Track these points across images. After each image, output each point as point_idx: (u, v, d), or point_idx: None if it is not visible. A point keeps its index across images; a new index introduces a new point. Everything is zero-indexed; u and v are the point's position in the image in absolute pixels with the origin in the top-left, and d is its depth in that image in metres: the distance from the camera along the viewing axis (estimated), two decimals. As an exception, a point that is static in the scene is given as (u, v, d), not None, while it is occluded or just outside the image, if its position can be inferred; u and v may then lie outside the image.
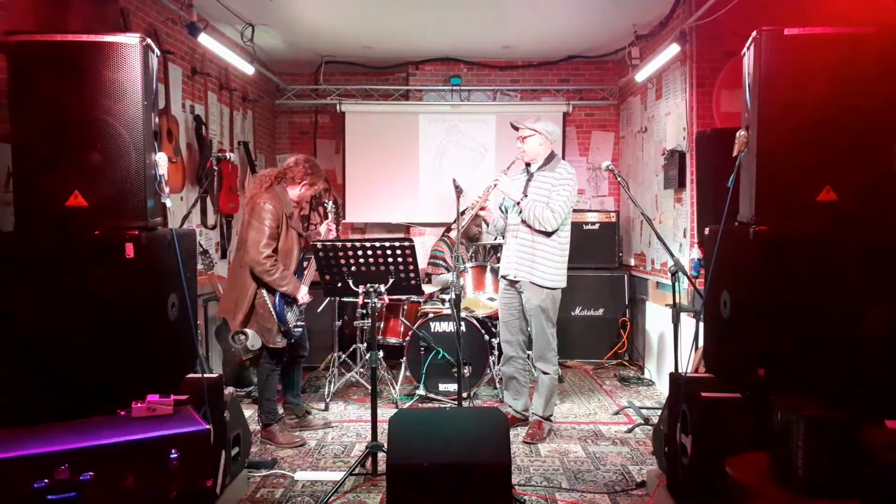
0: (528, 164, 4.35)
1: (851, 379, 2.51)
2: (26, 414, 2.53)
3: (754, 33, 2.64)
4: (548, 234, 4.18)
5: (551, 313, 4.28)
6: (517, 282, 4.28)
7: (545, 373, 4.29)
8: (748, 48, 2.71)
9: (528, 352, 4.53)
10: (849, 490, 2.13)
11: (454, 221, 6.17)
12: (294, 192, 4.15)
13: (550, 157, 4.30)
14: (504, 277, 4.38)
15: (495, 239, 4.55)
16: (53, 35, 2.68)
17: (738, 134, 2.74)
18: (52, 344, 2.62)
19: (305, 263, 4.20)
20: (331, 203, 4.43)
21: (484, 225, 4.53)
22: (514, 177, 4.36)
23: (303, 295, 4.09)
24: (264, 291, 3.99)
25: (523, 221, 4.21)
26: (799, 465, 2.19)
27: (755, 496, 2.29)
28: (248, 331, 3.96)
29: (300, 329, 4.16)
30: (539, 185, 4.23)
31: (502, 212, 4.47)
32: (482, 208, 4.40)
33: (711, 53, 5.05)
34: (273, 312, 3.99)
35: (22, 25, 3.40)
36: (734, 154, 2.75)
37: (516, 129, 4.33)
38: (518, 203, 4.20)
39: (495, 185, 4.26)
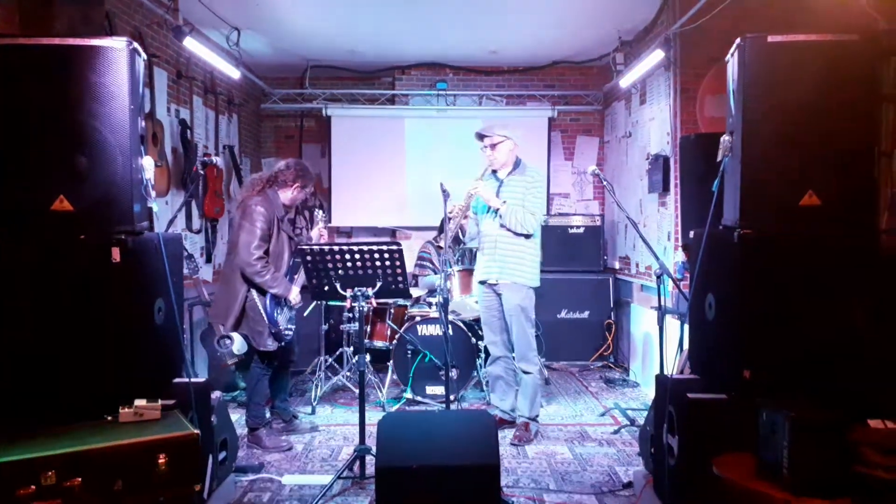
0: (494, 171, 4.38)
1: (835, 379, 2.55)
2: (11, 419, 2.50)
3: (738, 40, 2.68)
4: (527, 236, 4.25)
5: (530, 312, 4.36)
6: (496, 284, 4.33)
7: (528, 372, 4.33)
8: (732, 54, 2.75)
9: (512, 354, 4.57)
10: (834, 489, 2.16)
11: (440, 226, 6.20)
12: (286, 195, 4.15)
13: (517, 162, 4.37)
14: (483, 282, 4.41)
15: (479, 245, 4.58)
16: (39, 38, 2.67)
17: (722, 139, 2.77)
18: (37, 349, 2.60)
19: (296, 266, 4.20)
20: (320, 212, 4.42)
21: (460, 232, 4.54)
22: (485, 182, 4.39)
23: (294, 296, 4.09)
24: (255, 293, 3.98)
25: (502, 226, 4.25)
26: (784, 465, 2.22)
27: (741, 496, 2.31)
28: (233, 335, 3.94)
29: (290, 332, 4.15)
30: (512, 190, 4.28)
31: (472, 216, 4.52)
32: (465, 217, 4.41)
33: (695, 59, 5.11)
34: (263, 314, 3.97)
35: (6, 29, 3.37)
36: (718, 159, 2.78)
37: (481, 138, 4.33)
38: (498, 209, 4.23)
39: (474, 194, 4.28)
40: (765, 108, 2.63)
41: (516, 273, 4.27)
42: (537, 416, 4.41)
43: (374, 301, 3.68)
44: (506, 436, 4.30)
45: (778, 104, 2.62)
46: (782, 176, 2.62)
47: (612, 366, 6.44)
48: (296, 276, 4.16)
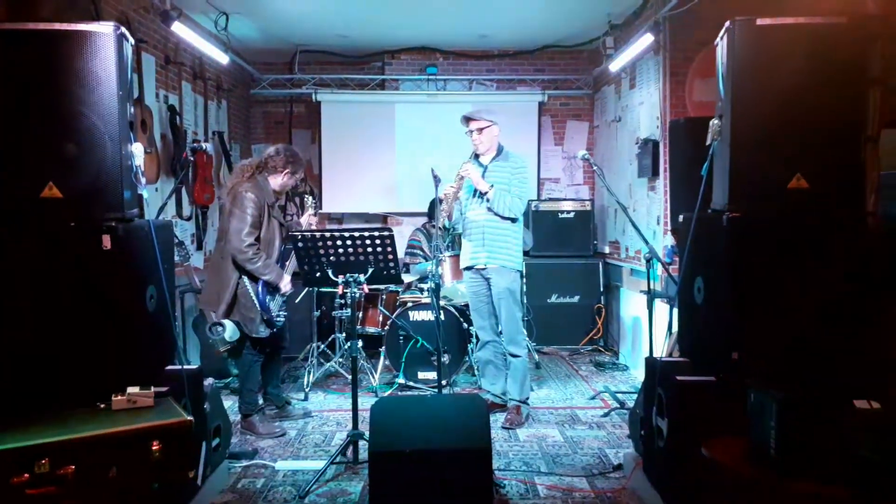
0: (477, 156, 4.39)
1: (823, 361, 2.58)
2: (4, 407, 2.50)
3: (728, 23, 2.68)
4: (513, 221, 4.30)
5: (518, 295, 4.42)
6: (484, 269, 4.35)
7: (516, 356, 4.37)
8: (721, 38, 2.76)
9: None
10: (821, 469, 2.19)
11: (429, 210, 6.20)
12: (276, 181, 4.14)
13: (500, 149, 4.40)
14: (470, 268, 4.44)
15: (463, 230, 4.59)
16: (25, 23, 2.64)
17: (711, 123, 2.79)
18: (29, 337, 2.59)
19: (287, 253, 4.19)
20: (310, 198, 4.41)
21: (445, 218, 4.54)
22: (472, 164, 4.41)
23: (285, 284, 4.09)
24: (246, 280, 3.97)
25: (489, 209, 4.27)
26: (772, 446, 2.25)
27: (730, 477, 2.35)
28: (225, 322, 3.94)
29: (282, 319, 4.16)
30: (498, 176, 4.31)
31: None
32: (456, 197, 4.42)
33: (685, 43, 5.10)
34: (255, 301, 3.97)
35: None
36: (707, 143, 2.80)
37: (467, 122, 4.35)
38: (485, 193, 4.25)
39: (465, 175, 4.29)
40: (753, 91, 2.64)
41: (503, 257, 4.32)
42: (528, 398, 4.45)
43: (365, 287, 3.68)
44: (497, 419, 4.34)
45: (767, 88, 2.63)
46: (771, 159, 2.64)
47: (601, 349, 6.48)
48: (287, 263, 4.16)
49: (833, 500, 2.17)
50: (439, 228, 4.40)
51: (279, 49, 7.10)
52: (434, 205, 6.13)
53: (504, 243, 4.31)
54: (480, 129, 4.31)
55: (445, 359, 4.90)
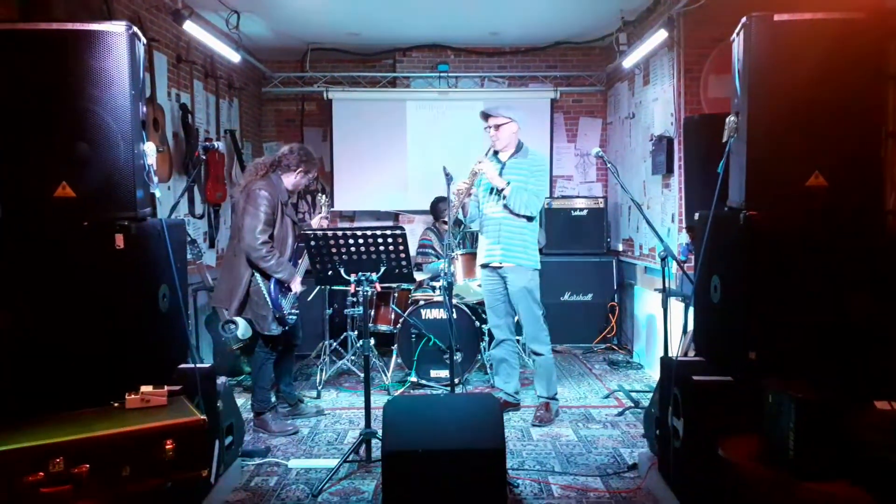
0: (496, 153, 4.37)
1: (841, 361, 2.54)
2: (18, 407, 2.51)
3: (744, 19, 2.65)
4: (529, 219, 4.27)
5: (536, 294, 4.39)
6: (500, 267, 4.33)
7: (539, 353, 4.35)
8: (738, 34, 2.72)
9: (517, 337, 4.58)
10: (840, 472, 2.16)
11: (431, 209, 6.19)
12: (290, 179, 4.14)
13: (519, 145, 4.37)
14: (487, 266, 4.41)
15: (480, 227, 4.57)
16: (37, 23, 2.65)
17: (727, 119, 2.75)
18: (43, 336, 2.60)
19: (300, 251, 4.20)
20: (324, 197, 4.40)
21: (461, 212, 4.51)
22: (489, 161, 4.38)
23: (296, 283, 4.09)
24: (259, 278, 3.97)
25: (505, 206, 4.25)
26: (790, 447, 2.22)
27: (747, 478, 2.32)
28: (238, 320, 3.95)
29: (295, 317, 4.16)
30: (516, 172, 4.28)
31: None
32: (469, 194, 4.40)
33: (699, 39, 5.05)
34: (268, 299, 3.97)
35: (4, 14, 3.34)
36: (724, 140, 2.76)
37: (486, 118, 4.34)
38: (502, 190, 4.22)
39: (478, 171, 4.26)
40: (771, 88, 2.61)
41: (520, 256, 4.29)
42: (556, 394, 4.45)
43: (378, 285, 3.67)
44: (510, 418, 4.32)
45: (784, 84, 2.60)
46: (788, 157, 2.61)
47: (615, 348, 6.45)
48: (300, 261, 4.16)
49: (851, 502, 2.14)
50: (452, 223, 4.37)
51: (290, 47, 7.10)
52: (436, 203, 6.14)
53: (520, 241, 4.28)
54: (498, 126, 4.29)
55: (458, 357, 4.89)
